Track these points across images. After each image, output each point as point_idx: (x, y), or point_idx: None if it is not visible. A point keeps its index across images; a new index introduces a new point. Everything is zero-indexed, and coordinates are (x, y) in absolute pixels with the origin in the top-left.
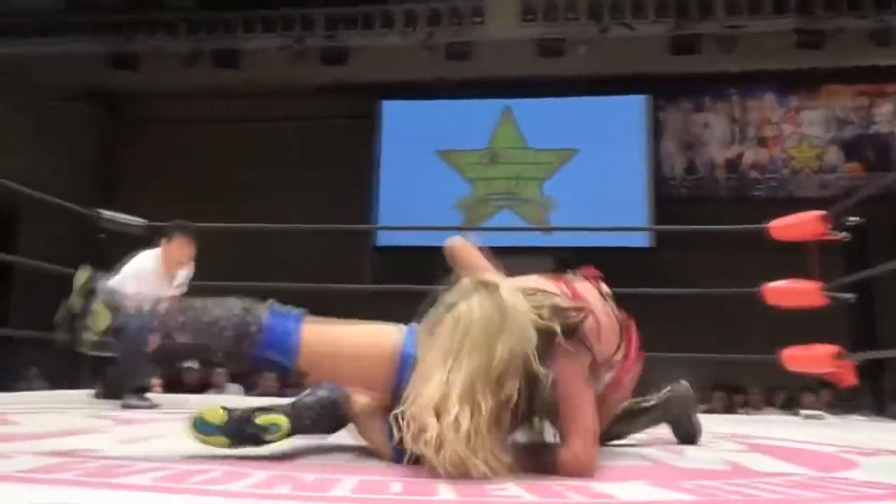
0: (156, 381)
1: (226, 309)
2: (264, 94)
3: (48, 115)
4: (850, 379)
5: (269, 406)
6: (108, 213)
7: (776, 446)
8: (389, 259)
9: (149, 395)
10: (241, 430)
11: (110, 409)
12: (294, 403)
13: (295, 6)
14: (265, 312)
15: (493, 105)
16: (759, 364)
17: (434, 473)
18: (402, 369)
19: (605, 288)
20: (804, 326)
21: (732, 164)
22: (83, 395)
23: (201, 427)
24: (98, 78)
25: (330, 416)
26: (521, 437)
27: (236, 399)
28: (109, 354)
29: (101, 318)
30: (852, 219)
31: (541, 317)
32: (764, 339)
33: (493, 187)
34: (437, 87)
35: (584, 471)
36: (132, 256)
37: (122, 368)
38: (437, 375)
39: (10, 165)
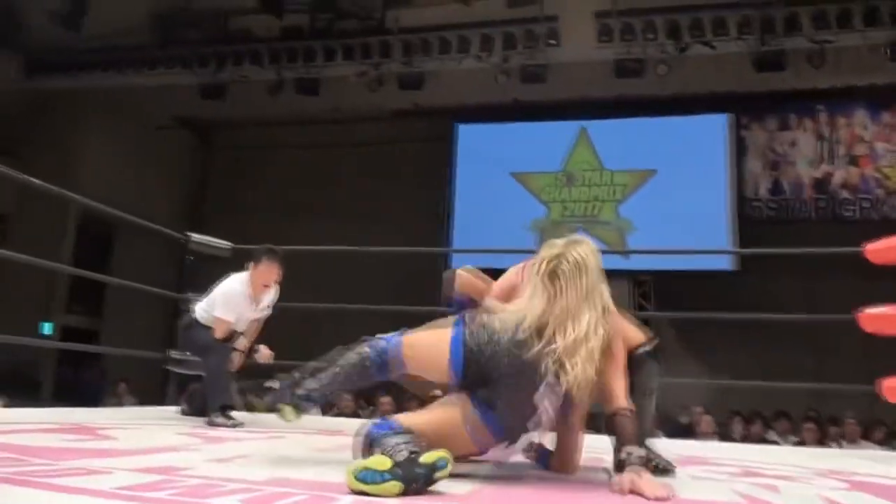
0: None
1: (347, 360)
2: (343, 119)
3: (144, 143)
4: None
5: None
6: (196, 237)
7: (882, 485)
8: None
9: (233, 413)
10: (413, 472)
11: (198, 427)
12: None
13: (373, 34)
14: (368, 350)
15: (569, 127)
16: (854, 395)
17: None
18: (454, 353)
19: None
20: None
21: (821, 184)
22: (171, 411)
23: (368, 477)
24: (190, 108)
25: None
26: None
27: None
28: (196, 373)
29: (287, 414)
30: None
31: None
32: (860, 368)
33: (568, 209)
34: (512, 109)
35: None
36: (222, 280)
37: (208, 387)
38: (584, 315)
39: (107, 191)
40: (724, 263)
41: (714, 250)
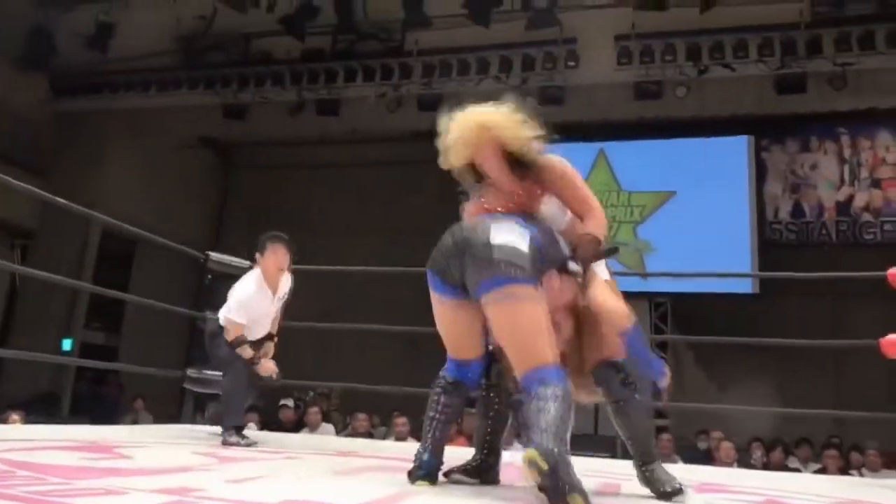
0: (252, 418)
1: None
2: (364, 140)
3: (166, 163)
4: None
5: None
6: (215, 256)
7: None
8: None
9: (247, 432)
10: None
11: (214, 446)
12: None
13: (393, 56)
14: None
15: (587, 148)
16: (877, 423)
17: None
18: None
19: None
20: None
21: (843, 207)
22: (188, 429)
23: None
24: (211, 127)
25: None
26: None
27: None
28: (213, 391)
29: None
30: None
31: None
32: (883, 394)
33: None
34: None
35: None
36: (236, 284)
37: (223, 406)
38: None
39: (129, 209)
40: (744, 287)
41: (732, 273)
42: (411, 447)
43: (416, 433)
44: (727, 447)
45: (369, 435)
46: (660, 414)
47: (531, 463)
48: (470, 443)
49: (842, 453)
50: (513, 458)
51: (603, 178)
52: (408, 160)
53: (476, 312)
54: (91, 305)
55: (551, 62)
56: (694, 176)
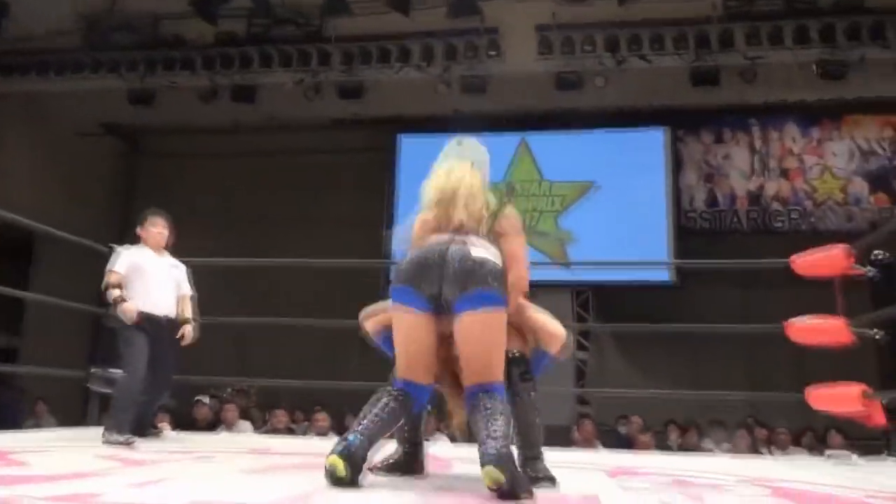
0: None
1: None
2: (281, 128)
3: (68, 151)
4: (878, 418)
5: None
6: (121, 249)
7: (799, 490)
8: None
9: (166, 431)
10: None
11: (120, 449)
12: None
13: (311, 41)
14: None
15: (510, 139)
16: (784, 403)
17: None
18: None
19: None
20: (831, 364)
21: (754, 197)
22: (93, 432)
23: None
24: (117, 114)
25: None
26: None
27: (250, 437)
28: (105, 391)
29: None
30: (878, 252)
31: None
32: (790, 376)
33: None
34: (453, 120)
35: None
36: (116, 255)
37: (113, 403)
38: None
39: (27, 200)
40: (663, 275)
41: (648, 262)
42: (330, 444)
43: (337, 428)
44: (645, 431)
45: (290, 431)
46: (582, 401)
47: (492, 479)
48: None
49: (752, 433)
50: (437, 449)
51: (525, 168)
52: (327, 149)
53: (440, 332)
54: None
55: (473, 51)
56: (614, 167)
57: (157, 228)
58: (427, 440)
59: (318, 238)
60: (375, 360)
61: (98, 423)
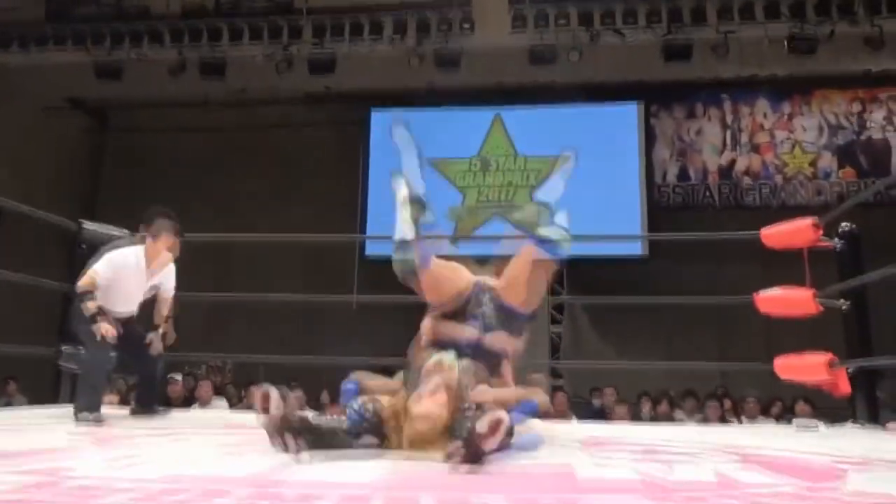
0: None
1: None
2: (251, 102)
3: (31, 126)
4: (844, 387)
5: None
6: (89, 224)
7: (768, 457)
8: (377, 270)
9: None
10: None
11: (93, 427)
12: None
13: (282, 13)
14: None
15: (484, 113)
16: (754, 373)
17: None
18: None
19: None
20: (799, 335)
21: (725, 171)
22: (64, 410)
23: None
24: (84, 89)
25: None
26: None
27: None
28: (75, 369)
29: None
30: (845, 225)
31: None
32: (760, 347)
33: (483, 195)
34: (426, 95)
35: None
36: (113, 247)
37: (80, 382)
38: None
39: None
40: (636, 249)
41: (621, 236)
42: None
43: (311, 404)
44: (619, 403)
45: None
46: (556, 374)
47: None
48: None
49: (723, 404)
50: None
51: (499, 142)
52: (299, 123)
53: None
54: None
55: (446, 25)
56: (587, 141)
57: (167, 245)
58: None
59: (292, 212)
60: (349, 336)
61: (70, 402)
